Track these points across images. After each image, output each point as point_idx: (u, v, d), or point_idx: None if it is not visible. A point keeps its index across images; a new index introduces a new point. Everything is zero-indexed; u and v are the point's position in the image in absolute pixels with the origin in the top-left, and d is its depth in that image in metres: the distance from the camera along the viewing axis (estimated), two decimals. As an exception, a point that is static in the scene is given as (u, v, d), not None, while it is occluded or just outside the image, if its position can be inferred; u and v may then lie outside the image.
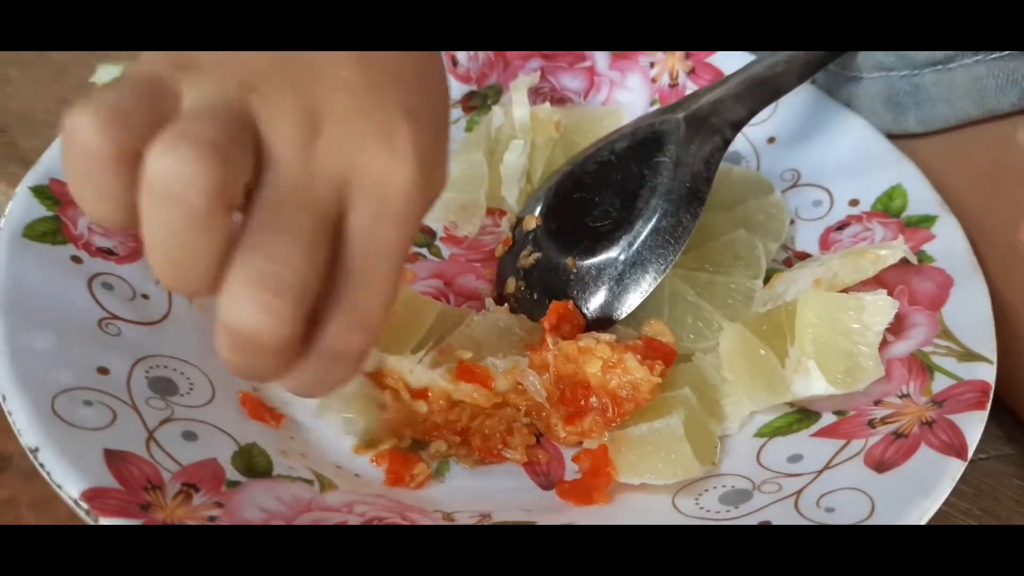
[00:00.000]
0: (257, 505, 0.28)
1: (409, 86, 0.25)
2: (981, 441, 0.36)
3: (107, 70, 0.52)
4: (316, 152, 0.22)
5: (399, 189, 0.22)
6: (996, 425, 0.38)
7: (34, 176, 0.35)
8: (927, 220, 0.37)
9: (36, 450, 0.27)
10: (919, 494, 0.28)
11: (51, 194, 0.35)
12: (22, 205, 0.34)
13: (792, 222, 0.41)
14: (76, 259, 0.34)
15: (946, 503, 0.34)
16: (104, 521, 0.26)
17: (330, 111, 0.23)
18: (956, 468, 0.28)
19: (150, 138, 0.21)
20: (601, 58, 0.47)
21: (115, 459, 0.27)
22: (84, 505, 0.26)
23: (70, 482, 0.26)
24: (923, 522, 0.27)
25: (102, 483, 0.26)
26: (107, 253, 0.35)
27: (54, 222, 0.34)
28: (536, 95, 0.47)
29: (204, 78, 0.22)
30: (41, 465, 0.26)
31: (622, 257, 0.37)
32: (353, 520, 0.29)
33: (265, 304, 0.20)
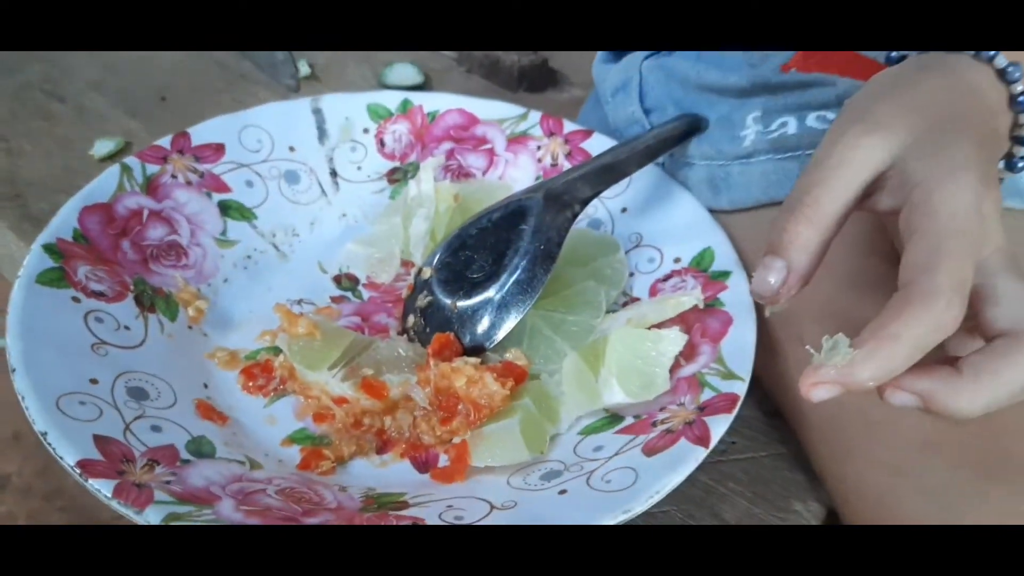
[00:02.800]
0: (202, 476, 0.40)
1: None
2: (761, 442, 0.47)
3: (104, 144, 0.64)
4: None
5: None
6: (773, 428, 0.49)
7: (45, 236, 0.47)
8: (724, 274, 0.49)
9: (45, 433, 0.38)
10: (669, 471, 0.39)
11: (57, 250, 0.47)
12: (36, 258, 0.46)
13: (632, 275, 0.53)
14: (75, 299, 0.45)
15: (728, 487, 0.45)
16: (92, 482, 0.37)
17: None
18: (700, 454, 0.40)
19: None
20: (499, 141, 0.59)
21: (101, 441, 0.39)
22: (78, 471, 0.37)
23: (69, 455, 0.37)
24: (667, 491, 0.38)
25: (91, 456, 0.37)
26: (99, 295, 0.46)
27: (59, 271, 0.46)
28: (446, 170, 0.59)
29: None
30: (49, 444, 0.38)
31: (492, 300, 0.48)
32: (270, 489, 0.40)
33: None
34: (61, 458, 0.37)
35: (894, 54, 0.42)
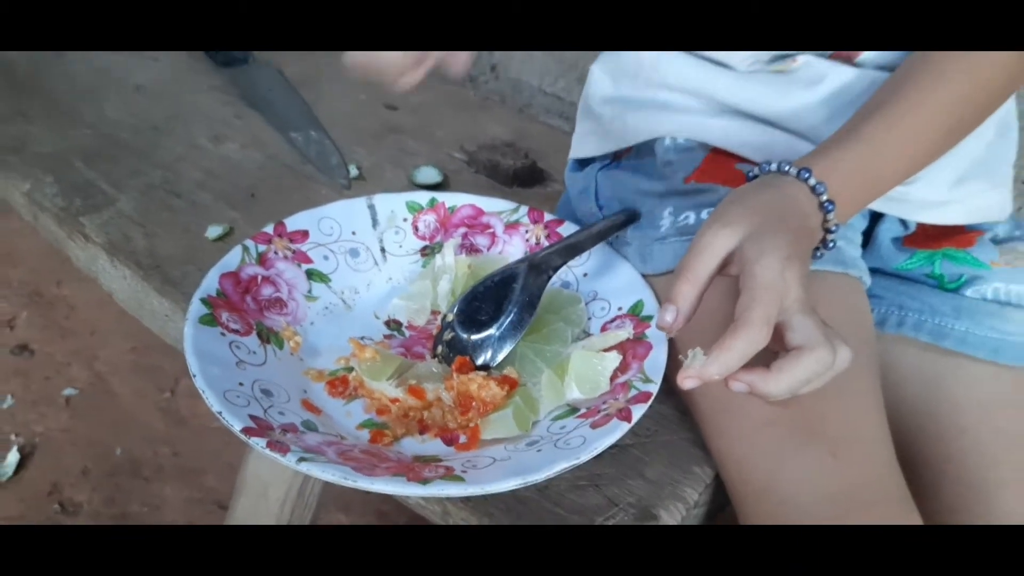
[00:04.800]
0: (314, 440, 0.63)
1: None
2: (674, 429, 0.71)
3: (214, 229, 0.88)
4: None
5: None
6: (684, 420, 0.73)
7: (199, 293, 0.71)
8: (649, 317, 0.73)
9: (220, 412, 0.61)
10: (606, 436, 0.62)
11: (208, 302, 0.71)
12: (195, 307, 0.70)
13: (589, 319, 0.77)
14: (222, 333, 0.69)
15: (651, 457, 0.68)
16: (252, 439, 0.60)
17: None
18: (625, 427, 0.63)
19: None
20: (499, 227, 0.84)
21: (253, 418, 0.62)
22: (243, 434, 0.60)
23: (236, 424, 0.61)
24: (603, 448, 0.62)
25: (249, 426, 0.61)
26: (235, 331, 0.70)
27: (210, 316, 0.70)
28: (462, 248, 0.84)
29: None
30: (224, 418, 0.61)
31: (494, 336, 0.72)
32: (356, 450, 0.63)
33: None
34: (231, 426, 0.61)
35: (751, 173, 0.66)
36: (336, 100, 1.14)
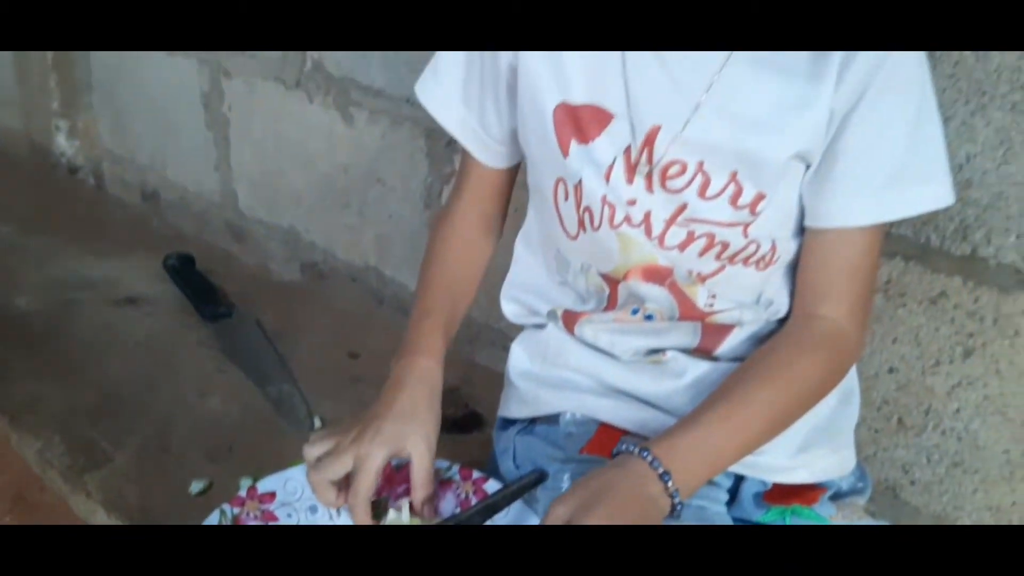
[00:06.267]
0: None
1: None
2: None
3: (197, 484, 1.05)
4: None
5: None
6: None
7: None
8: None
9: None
10: None
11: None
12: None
13: (506, 567, 0.92)
14: None
15: None
16: None
17: None
18: None
19: None
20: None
21: None
22: None
23: None
24: None
25: None
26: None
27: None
28: (398, 497, 1.00)
29: None
30: None
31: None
32: None
33: None
34: None
35: (615, 451, 0.83)
36: (306, 350, 1.33)
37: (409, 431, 0.85)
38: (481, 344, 1.47)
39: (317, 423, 1.17)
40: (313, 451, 0.86)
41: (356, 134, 1.52)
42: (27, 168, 2.27)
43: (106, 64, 2.12)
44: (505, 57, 0.85)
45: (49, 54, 2.20)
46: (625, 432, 0.94)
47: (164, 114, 1.97)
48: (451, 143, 0.90)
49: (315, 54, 1.55)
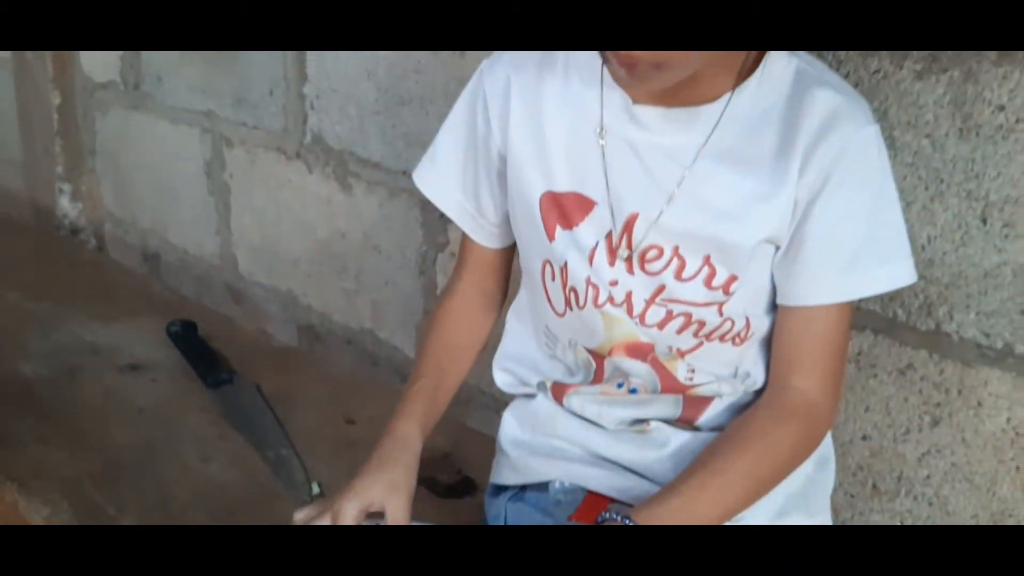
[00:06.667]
0: None
1: None
2: None
3: (315, 485, 1.08)
4: None
5: None
6: None
7: None
8: None
9: None
10: None
11: None
12: None
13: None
14: None
15: None
16: None
17: None
18: None
19: None
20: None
21: None
22: None
23: None
24: None
25: None
26: None
27: None
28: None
29: None
30: None
31: None
32: None
33: None
34: None
35: (598, 520, 0.87)
36: (304, 415, 1.37)
37: (376, 481, 0.89)
38: (474, 406, 1.51)
39: (315, 488, 1.21)
40: (300, 515, 0.91)
41: (354, 203, 1.58)
42: (30, 230, 2.32)
43: (110, 130, 2.19)
44: (496, 145, 0.92)
45: (55, 120, 2.27)
46: (611, 500, 0.98)
47: (166, 180, 2.04)
48: (445, 215, 0.96)
49: (315, 127, 1.62)
